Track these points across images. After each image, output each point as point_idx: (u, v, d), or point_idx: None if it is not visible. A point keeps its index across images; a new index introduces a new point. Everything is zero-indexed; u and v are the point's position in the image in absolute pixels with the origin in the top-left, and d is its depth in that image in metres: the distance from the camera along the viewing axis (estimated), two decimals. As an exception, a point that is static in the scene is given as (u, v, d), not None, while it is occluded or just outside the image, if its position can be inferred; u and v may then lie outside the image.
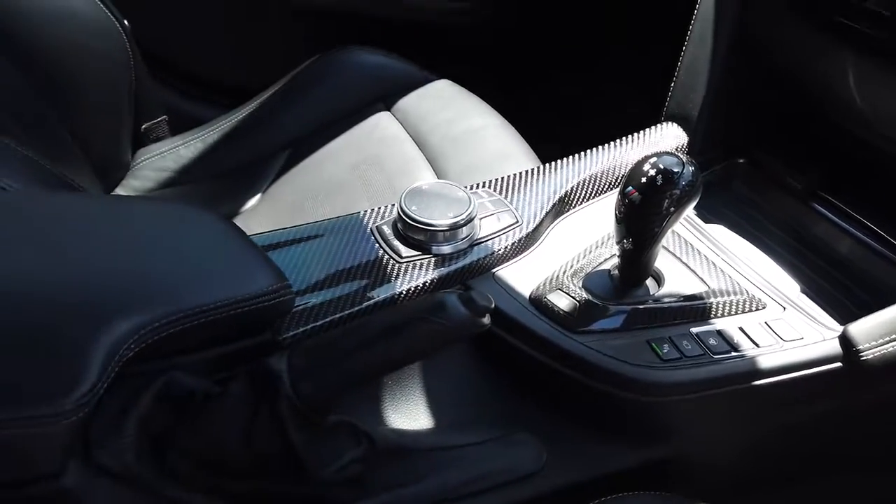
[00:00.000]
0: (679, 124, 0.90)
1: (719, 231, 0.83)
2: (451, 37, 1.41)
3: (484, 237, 0.75)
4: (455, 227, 0.72)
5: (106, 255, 0.53)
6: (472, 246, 0.74)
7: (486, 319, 0.58)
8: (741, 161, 0.93)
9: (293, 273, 0.66)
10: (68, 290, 0.49)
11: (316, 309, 0.65)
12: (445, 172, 0.98)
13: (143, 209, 0.61)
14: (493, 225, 0.76)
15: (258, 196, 1.04)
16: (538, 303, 0.72)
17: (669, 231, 0.67)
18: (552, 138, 1.07)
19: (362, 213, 0.77)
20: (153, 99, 1.12)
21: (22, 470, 0.45)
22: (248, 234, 0.65)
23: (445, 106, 1.09)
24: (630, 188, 0.65)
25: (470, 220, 0.73)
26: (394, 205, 0.76)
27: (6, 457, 0.44)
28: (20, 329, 0.46)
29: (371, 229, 0.74)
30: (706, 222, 0.84)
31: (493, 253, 0.74)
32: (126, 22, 1.01)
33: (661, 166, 0.64)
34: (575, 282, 0.73)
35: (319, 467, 0.57)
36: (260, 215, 1.01)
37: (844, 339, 0.68)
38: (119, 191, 1.06)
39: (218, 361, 0.58)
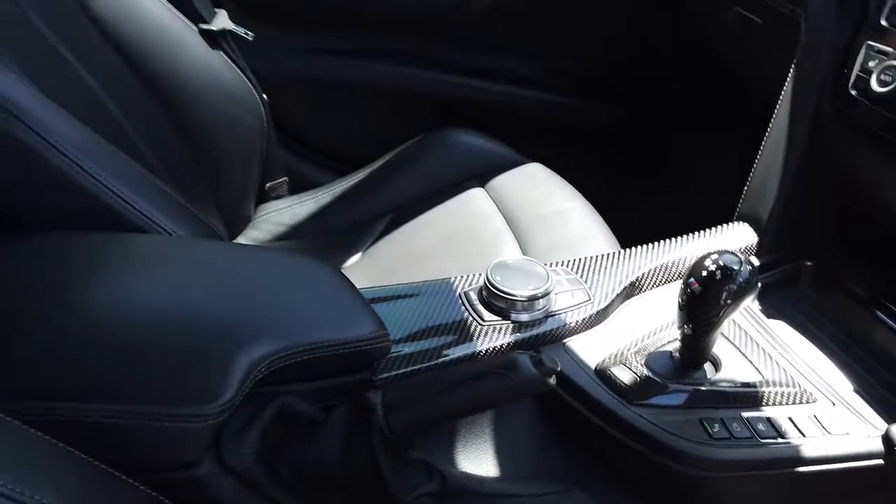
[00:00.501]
0: (750, 225, 0.96)
1: (779, 327, 0.88)
2: (546, 124, 1.52)
3: (558, 310, 0.82)
4: (533, 299, 0.80)
5: (248, 292, 0.65)
6: (547, 317, 0.81)
7: (553, 380, 0.65)
8: (808, 264, 0.97)
9: (391, 324, 0.75)
10: (219, 318, 0.61)
11: (408, 357, 0.75)
12: (530, 248, 1.05)
13: (277, 258, 0.74)
14: (568, 300, 0.84)
15: (359, 254, 1.14)
16: (602, 374, 0.78)
17: (731, 322, 0.73)
18: (632, 223, 1.14)
19: (453, 279, 0.86)
20: (278, 162, 1.26)
21: (171, 456, 0.56)
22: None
23: (535, 187, 1.17)
24: (692, 279, 0.71)
25: (547, 294, 0.81)
26: (481, 274, 0.85)
27: (163, 443, 0.55)
28: (184, 345, 0.58)
29: (459, 294, 0.83)
30: (768, 317, 0.88)
31: (565, 325, 0.82)
32: (265, 96, 1.18)
33: (722, 263, 0.70)
34: (638, 359, 0.79)
35: (399, 493, 0.65)
36: (359, 272, 1.10)
37: (887, 438, 0.71)
38: (241, 239, 1.19)
39: (323, 392, 0.68)
